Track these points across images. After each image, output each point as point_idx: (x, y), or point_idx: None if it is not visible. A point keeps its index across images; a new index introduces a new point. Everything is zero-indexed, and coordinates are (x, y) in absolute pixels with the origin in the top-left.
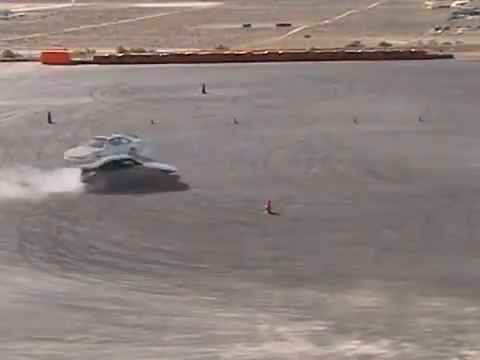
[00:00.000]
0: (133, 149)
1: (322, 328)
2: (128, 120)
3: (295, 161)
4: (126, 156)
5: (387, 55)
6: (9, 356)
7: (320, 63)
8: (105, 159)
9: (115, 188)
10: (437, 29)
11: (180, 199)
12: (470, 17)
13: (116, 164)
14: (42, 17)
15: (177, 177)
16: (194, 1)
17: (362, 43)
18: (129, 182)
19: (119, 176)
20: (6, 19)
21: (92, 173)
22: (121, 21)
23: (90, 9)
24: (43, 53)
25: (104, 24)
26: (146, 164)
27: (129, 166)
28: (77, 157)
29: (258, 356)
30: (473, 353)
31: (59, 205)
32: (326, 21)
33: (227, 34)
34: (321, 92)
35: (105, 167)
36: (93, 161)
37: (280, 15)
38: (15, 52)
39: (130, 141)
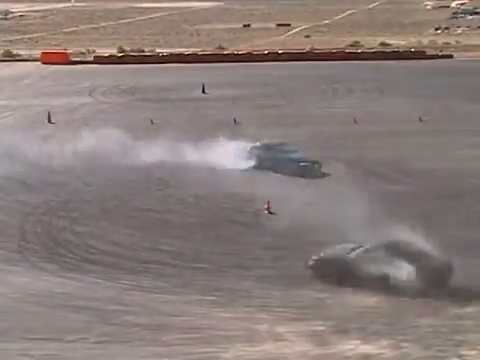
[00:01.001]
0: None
1: (322, 328)
2: (128, 120)
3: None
4: (279, 141)
5: (387, 55)
6: (9, 356)
7: (320, 63)
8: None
9: (262, 166)
10: (437, 29)
11: (180, 199)
12: (470, 17)
13: (265, 147)
14: (42, 17)
15: (307, 167)
16: (194, 1)
17: (362, 43)
18: (271, 164)
19: (265, 158)
20: (6, 19)
21: (248, 149)
22: (121, 21)
23: (90, 9)
24: (43, 53)
25: (104, 24)
26: (289, 152)
27: (276, 151)
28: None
29: (258, 356)
30: (472, 353)
31: (59, 205)
32: (326, 21)
33: (227, 34)
34: (321, 92)
35: (258, 147)
36: None
37: (280, 15)
38: (15, 52)
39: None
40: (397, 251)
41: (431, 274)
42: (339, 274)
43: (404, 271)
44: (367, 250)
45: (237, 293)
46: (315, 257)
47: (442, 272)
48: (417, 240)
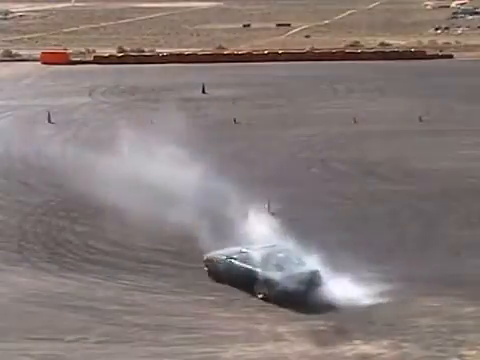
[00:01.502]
0: None
1: (322, 328)
2: (128, 120)
3: (295, 161)
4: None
5: (387, 55)
6: (9, 356)
7: (320, 63)
8: None
9: None
10: (437, 29)
11: (179, 199)
12: (470, 17)
13: None
14: (42, 17)
15: None
16: (194, 1)
17: (362, 43)
18: None
19: None
20: (6, 19)
21: None
22: (121, 21)
23: (90, 9)
24: (43, 53)
25: (104, 24)
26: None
27: None
28: None
29: (258, 356)
30: (472, 353)
31: (59, 205)
32: (326, 21)
33: (227, 34)
34: (321, 92)
35: None
36: None
37: (280, 15)
38: (15, 52)
39: None
40: (268, 257)
41: (294, 282)
42: (214, 273)
43: (268, 276)
44: (241, 253)
45: (237, 293)
46: (206, 255)
47: (307, 280)
48: (294, 247)
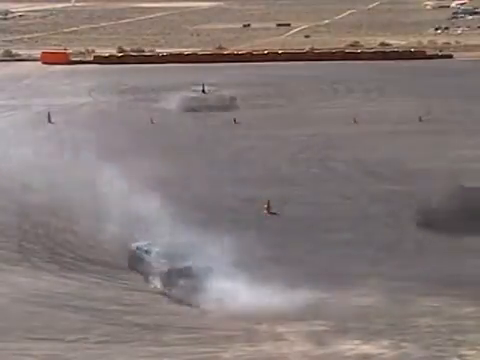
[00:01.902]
0: None
1: (322, 328)
2: (128, 120)
3: (295, 161)
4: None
5: (387, 55)
6: (9, 356)
7: (320, 63)
8: None
9: None
10: (437, 29)
11: (179, 199)
12: (470, 17)
13: None
14: (42, 17)
15: None
16: (194, 1)
17: (362, 43)
18: None
19: None
20: (6, 19)
21: None
22: (121, 21)
23: (90, 9)
24: (43, 53)
25: (104, 24)
26: None
27: None
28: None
29: (258, 356)
30: (472, 353)
31: (59, 205)
32: (326, 21)
33: (227, 34)
34: (321, 92)
35: None
36: None
37: (280, 15)
38: (15, 52)
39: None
40: (158, 251)
41: (174, 276)
42: (128, 263)
43: (153, 268)
44: (148, 245)
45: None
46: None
47: (185, 275)
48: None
